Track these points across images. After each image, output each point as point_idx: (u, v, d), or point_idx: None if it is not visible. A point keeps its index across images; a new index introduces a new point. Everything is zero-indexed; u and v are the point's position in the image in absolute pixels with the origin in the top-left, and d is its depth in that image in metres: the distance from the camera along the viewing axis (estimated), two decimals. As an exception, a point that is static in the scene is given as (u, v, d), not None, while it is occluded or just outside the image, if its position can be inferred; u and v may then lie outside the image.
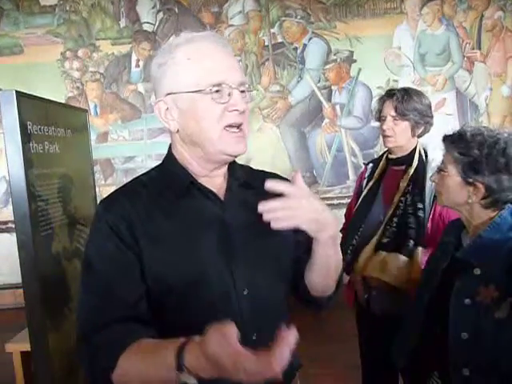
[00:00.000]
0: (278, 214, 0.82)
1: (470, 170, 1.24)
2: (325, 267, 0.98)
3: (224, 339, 0.67)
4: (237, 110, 0.90)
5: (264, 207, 0.81)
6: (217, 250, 0.93)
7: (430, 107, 1.87)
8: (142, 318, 0.89)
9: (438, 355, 1.30)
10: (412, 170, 1.81)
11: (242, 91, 0.92)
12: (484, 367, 1.19)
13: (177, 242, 0.91)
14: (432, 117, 1.87)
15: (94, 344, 0.86)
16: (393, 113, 1.81)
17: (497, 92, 4.34)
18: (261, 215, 0.93)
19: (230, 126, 0.90)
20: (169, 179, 0.96)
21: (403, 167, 1.85)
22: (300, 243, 1.03)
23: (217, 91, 0.89)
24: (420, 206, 1.74)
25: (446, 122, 4.26)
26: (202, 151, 0.93)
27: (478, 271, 1.22)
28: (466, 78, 4.34)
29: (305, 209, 0.84)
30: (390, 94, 1.85)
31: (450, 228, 1.44)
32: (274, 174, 1.08)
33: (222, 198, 0.97)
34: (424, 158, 1.84)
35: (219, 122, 0.89)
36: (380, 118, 1.88)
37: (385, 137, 1.84)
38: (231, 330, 0.68)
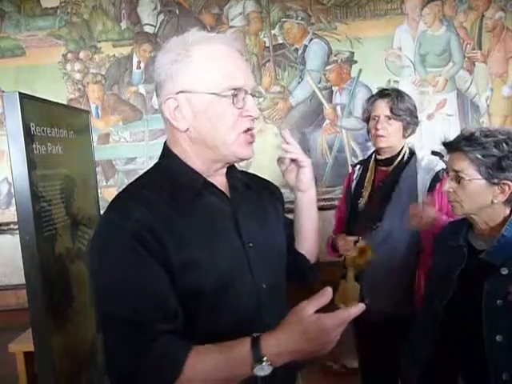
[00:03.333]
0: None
1: (495, 169, 1.21)
2: (312, 229, 1.18)
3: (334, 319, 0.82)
4: (251, 116, 0.91)
5: (285, 146, 1.13)
6: (236, 248, 0.94)
7: (416, 108, 1.89)
8: (180, 330, 0.85)
9: (460, 361, 1.27)
10: (402, 172, 1.81)
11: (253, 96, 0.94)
12: None
13: (202, 245, 0.88)
14: (417, 117, 1.89)
15: (150, 361, 0.80)
16: (387, 113, 1.81)
17: (498, 92, 4.33)
18: (263, 212, 1.05)
19: (245, 131, 0.91)
20: (179, 180, 0.92)
21: (392, 167, 1.86)
22: (288, 235, 1.18)
23: (235, 95, 0.89)
24: None
25: (446, 122, 4.27)
26: (213, 152, 0.92)
27: (505, 270, 1.19)
28: (467, 79, 4.34)
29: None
30: (382, 94, 1.85)
31: (455, 231, 1.39)
32: (257, 175, 1.21)
33: (228, 196, 0.98)
34: (413, 156, 1.84)
35: (235, 126, 0.90)
36: (370, 118, 1.88)
37: (377, 136, 1.85)
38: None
